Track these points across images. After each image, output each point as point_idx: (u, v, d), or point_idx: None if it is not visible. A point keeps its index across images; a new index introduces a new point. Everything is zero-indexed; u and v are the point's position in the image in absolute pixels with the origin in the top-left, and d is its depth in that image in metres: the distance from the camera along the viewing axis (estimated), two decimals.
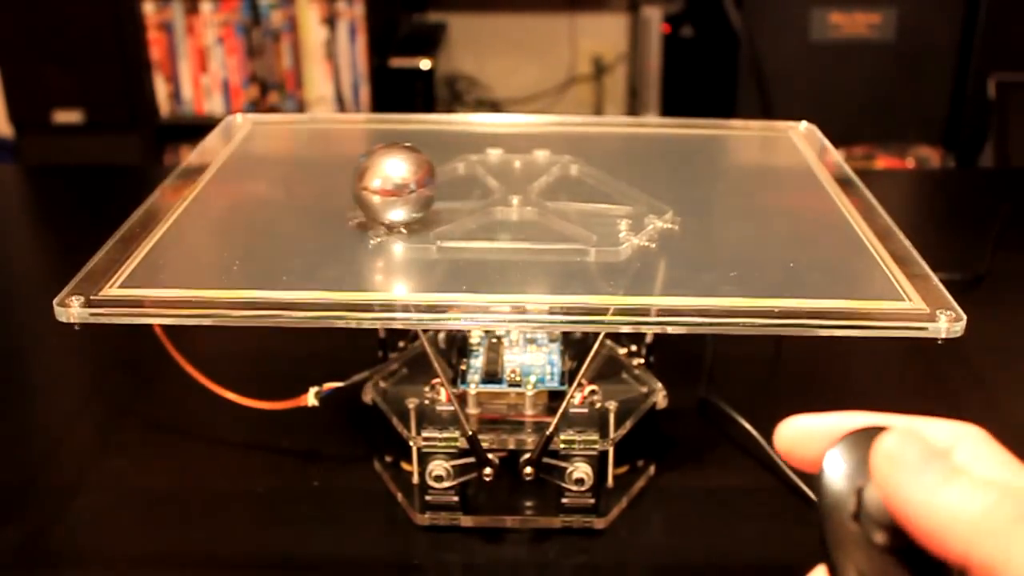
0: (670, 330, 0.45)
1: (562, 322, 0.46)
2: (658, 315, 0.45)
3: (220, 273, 0.50)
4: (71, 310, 0.46)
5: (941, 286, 0.47)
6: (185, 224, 0.55)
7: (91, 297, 0.46)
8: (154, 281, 0.49)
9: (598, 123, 0.78)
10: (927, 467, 0.25)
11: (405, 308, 0.46)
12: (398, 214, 0.52)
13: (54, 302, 0.46)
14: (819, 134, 0.69)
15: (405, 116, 0.73)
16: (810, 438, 0.29)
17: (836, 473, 0.26)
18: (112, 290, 0.47)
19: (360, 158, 0.52)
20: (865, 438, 0.27)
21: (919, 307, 0.45)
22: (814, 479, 0.27)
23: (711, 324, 0.45)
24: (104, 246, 0.51)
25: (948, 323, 0.44)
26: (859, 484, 0.26)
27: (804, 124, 0.71)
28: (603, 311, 0.45)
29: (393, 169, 0.52)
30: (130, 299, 0.47)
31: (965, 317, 0.44)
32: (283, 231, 0.57)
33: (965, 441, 0.27)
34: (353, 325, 0.46)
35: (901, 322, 0.45)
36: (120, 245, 0.52)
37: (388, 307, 0.47)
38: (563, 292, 0.47)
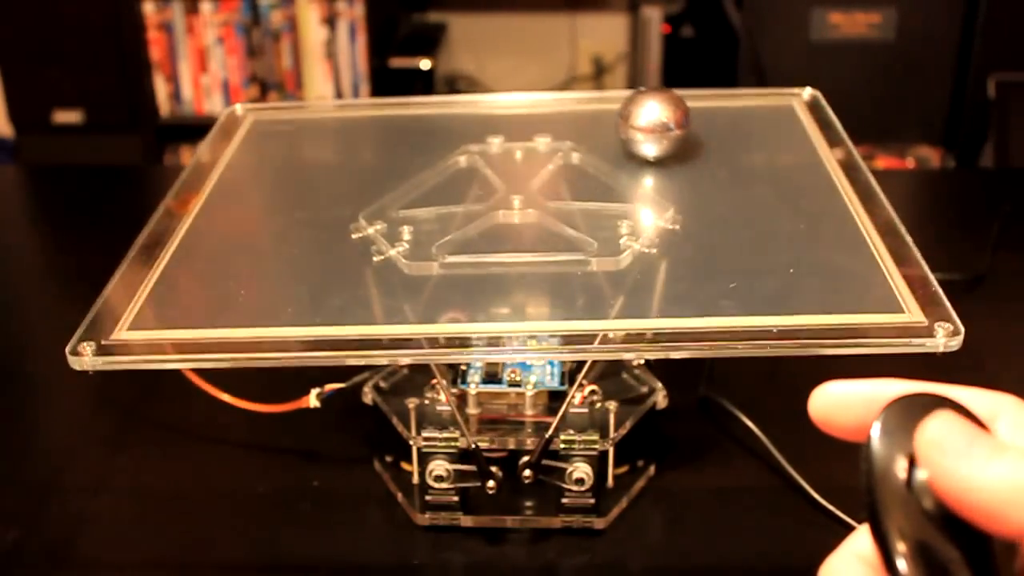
0: (672, 355, 0.45)
1: (563, 352, 0.47)
2: (655, 340, 0.46)
3: (226, 306, 0.50)
4: (84, 359, 0.46)
5: (940, 291, 0.47)
6: (188, 249, 0.55)
7: (102, 343, 0.46)
8: (163, 320, 0.49)
9: (600, 99, 0.76)
10: (972, 448, 0.25)
11: (411, 344, 0.46)
12: (652, 149, 0.60)
13: (66, 350, 0.46)
14: (822, 101, 0.67)
15: (406, 99, 0.72)
16: (847, 405, 0.29)
17: (885, 443, 0.26)
18: (122, 333, 0.47)
19: (625, 100, 0.60)
20: (910, 406, 0.27)
21: (917, 320, 0.46)
22: (861, 451, 0.27)
23: (709, 349, 0.45)
24: (111, 280, 0.51)
25: (945, 337, 0.44)
26: (909, 452, 0.26)
27: (808, 91, 0.69)
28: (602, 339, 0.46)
29: (652, 111, 0.59)
30: (141, 343, 0.47)
31: (963, 330, 0.44)
32: (286, 252, 0.56)
33: (1005, 411, 0.27)
34: (362, 363, 0.47)
35: (899, 338, 0.45)
36: (126, 276, 0.51)
37: (395, 343, 0.46)
38: (564, 312, 0.48)
